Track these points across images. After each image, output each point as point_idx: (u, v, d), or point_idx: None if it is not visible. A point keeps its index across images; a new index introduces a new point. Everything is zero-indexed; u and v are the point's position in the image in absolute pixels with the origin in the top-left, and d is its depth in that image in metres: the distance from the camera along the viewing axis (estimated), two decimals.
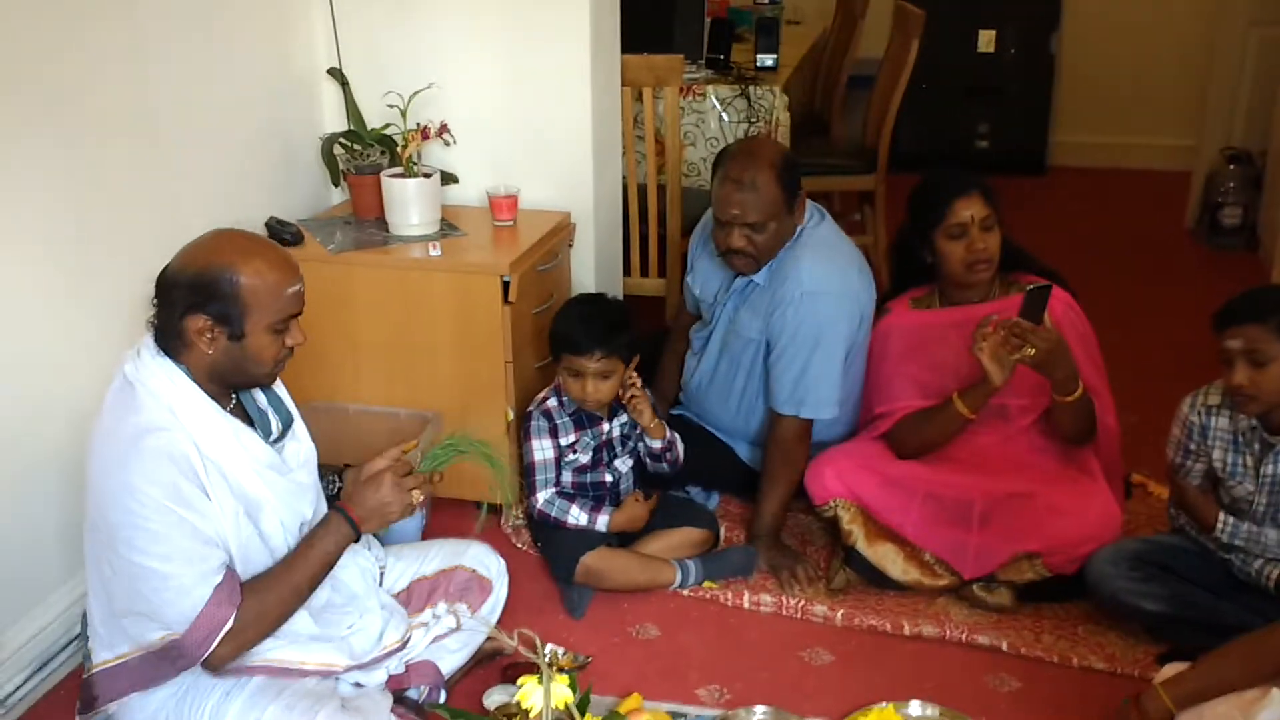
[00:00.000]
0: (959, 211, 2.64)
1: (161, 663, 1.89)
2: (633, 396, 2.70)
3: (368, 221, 3.10)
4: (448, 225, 3.06)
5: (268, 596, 1.92)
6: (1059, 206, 5.46)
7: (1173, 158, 5.87)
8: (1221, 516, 2.35)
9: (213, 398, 1.91)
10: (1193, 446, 2.42)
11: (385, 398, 2.97)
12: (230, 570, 1.89)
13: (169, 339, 1.89)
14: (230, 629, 1.86)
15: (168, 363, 1.88)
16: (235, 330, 1.87)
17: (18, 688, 2.31)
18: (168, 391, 1.87)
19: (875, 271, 2.96)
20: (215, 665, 1.90)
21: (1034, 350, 2.47)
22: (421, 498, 2.06)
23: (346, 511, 2.01)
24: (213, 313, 1.85)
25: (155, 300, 1.89)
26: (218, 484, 1.88)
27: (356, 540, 2.03)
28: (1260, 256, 4.75)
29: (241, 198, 2.94)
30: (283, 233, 2.93)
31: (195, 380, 1.89)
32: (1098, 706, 2.29)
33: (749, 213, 2.68)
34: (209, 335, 1.87)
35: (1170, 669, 2.14)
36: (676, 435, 2.83)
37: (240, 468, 1.92)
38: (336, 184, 3.23)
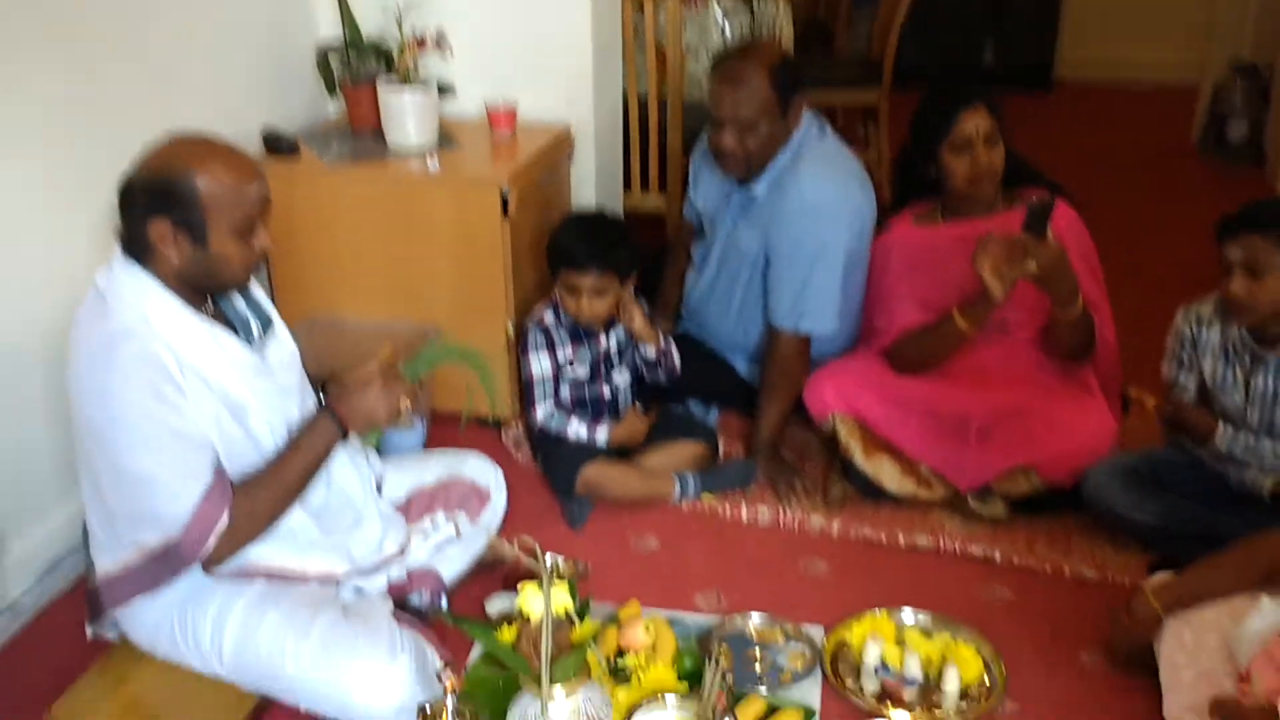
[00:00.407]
0: (963, 125, 2.62)
1: (162, 566, 1.92)
2: (624, 303, 2.70)
3: (364, 134, 3.07)
4: (445, 138, 3.03)
5: (259, 494, 1.94)
6: (1065, 122, 5.41)
7: (1180, 72, 5.79)
8: (1221, 425, 2.36)
9: (188, 303, 1.91)
10: (1184, 358, 2.44)
11: (384, 312, 2.97)
12: (220, 470, 1.90)
13: (135, 247, 1.88)
14: (224, 528, 1.88)
15: (137, 270, 1.88)
16: (198, 234, 1.85)
17: (25, 591, 2.36)
18: (138, 299, 1.86)
19: (877, 187, 2.93)
20: (211, 564, 1.94)
21: (1036, 265, 2.45)
22: (409, 405, 2.06)
23: (334, 410, 2.02)
24: (174, 217, 1.83)
25: (119, 208, 1.88)
26: (197, 388, 1.88)
27: (344, 439, 2.04)
28: (1266, 172, 4.71)
29: (236, 109, 2.91)
30: (278, 144, 2.91)
31: (167, 286, 1.89)
32: (1089, 615, 2.34)
33: (740, 110, 2.66)
34: (172, 240, 1.85)
35: (1160, 577, 2.17)
36: (671, 342, 2.83)
37: (221, 371, 1.92)
38: (333, 94, 3.19)
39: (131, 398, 1.81)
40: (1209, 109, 5.10)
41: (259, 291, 2.08)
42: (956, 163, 2.65)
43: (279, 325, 2.10)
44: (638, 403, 2.83)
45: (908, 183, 2.85)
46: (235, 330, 2.00)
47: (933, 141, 2.66)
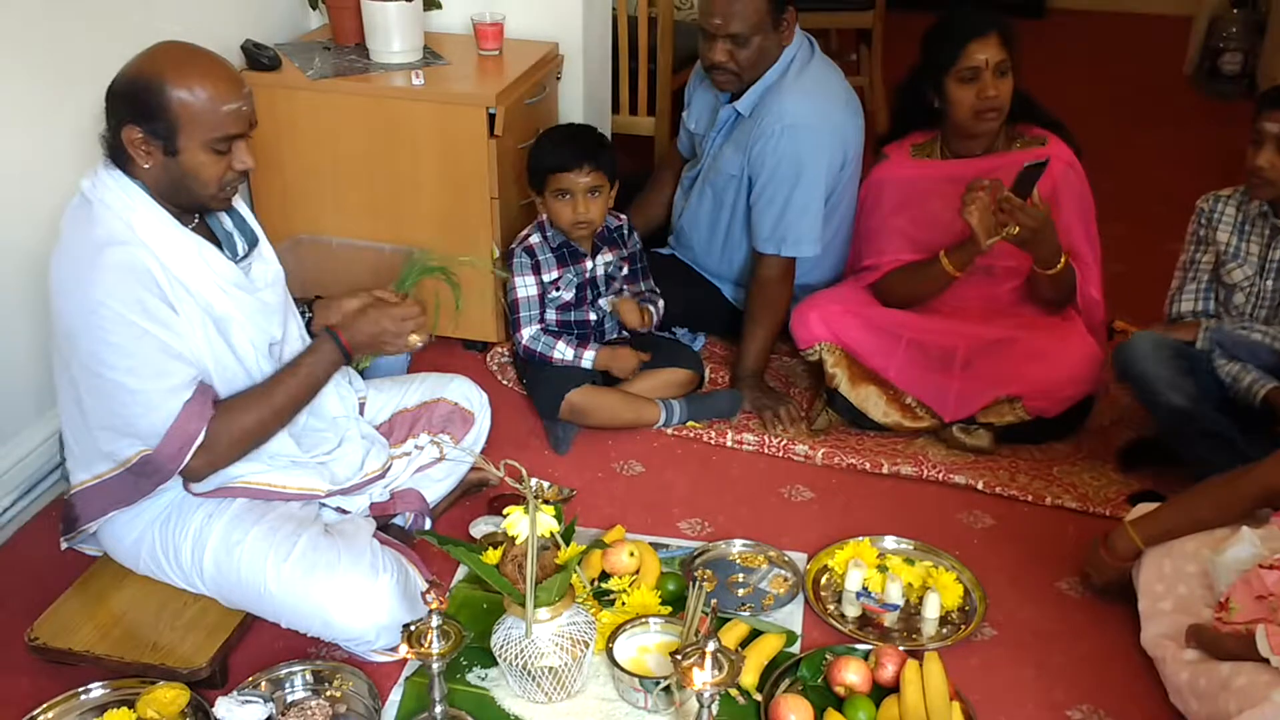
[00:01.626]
0: (973, 54, 2.52)
1: (139, 479, 1.91)
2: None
3: (347, 48, 3.00)
4: (431, 53, 2.96)
5: (245, 415, 1.93)
6: (1056, 50, 5.32)
7: (1175, 2, 5.71)
8: (1203, 324, 2.39)
9: (173, 216, 1.88)
10: (1201, 234, 2.47)
11: (369, 232, 2.92)
12: (202, 385, 1.88)
13: (117, 152, 1.85)
14: (201, 443, 1.87)
15: (122, 176, 1.85)
16: (169, 145, 1.81)
17: (4, 510, 2.34)
18: (124, 206, 1.83)
19: (870, 115, 2.89)
20: (190, 477, 1.93)
21: (1019, 229, 2.44)
22: (419, 341, 2.06)
23: (337, 336, 2.00)
24: (145, 125, 1.80)
25: (105, 111, 1.84)
26: (183, 299, 1.86)
27: (347, 364, 2.03)
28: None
29: (216, 20, 2.82)
30: (260, 57, 2.83)
31: (151, 195, 1.85)
32: (1068, 543, 2.36)
33: (731, 22, 2.61)
34: (144, 149, 1.82)
35: (1140, 508, 2.19)
36: (660, 307, 2.83)
37: (205, 284, 1.89)
38: (315, 6, 3.11)
39: (115, 307, 1.78)
40: (1203, 40, 5.04)
41: (245, 209, 2.05)
42: (962, 94, 2.55)
43: (265, 244, 2.07)
44: (631, 341, 2.79)
45: (910, 110, 2.75)
46: (220, 246, 1.97)
47: (939, 69, 2.57)
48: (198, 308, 1.89)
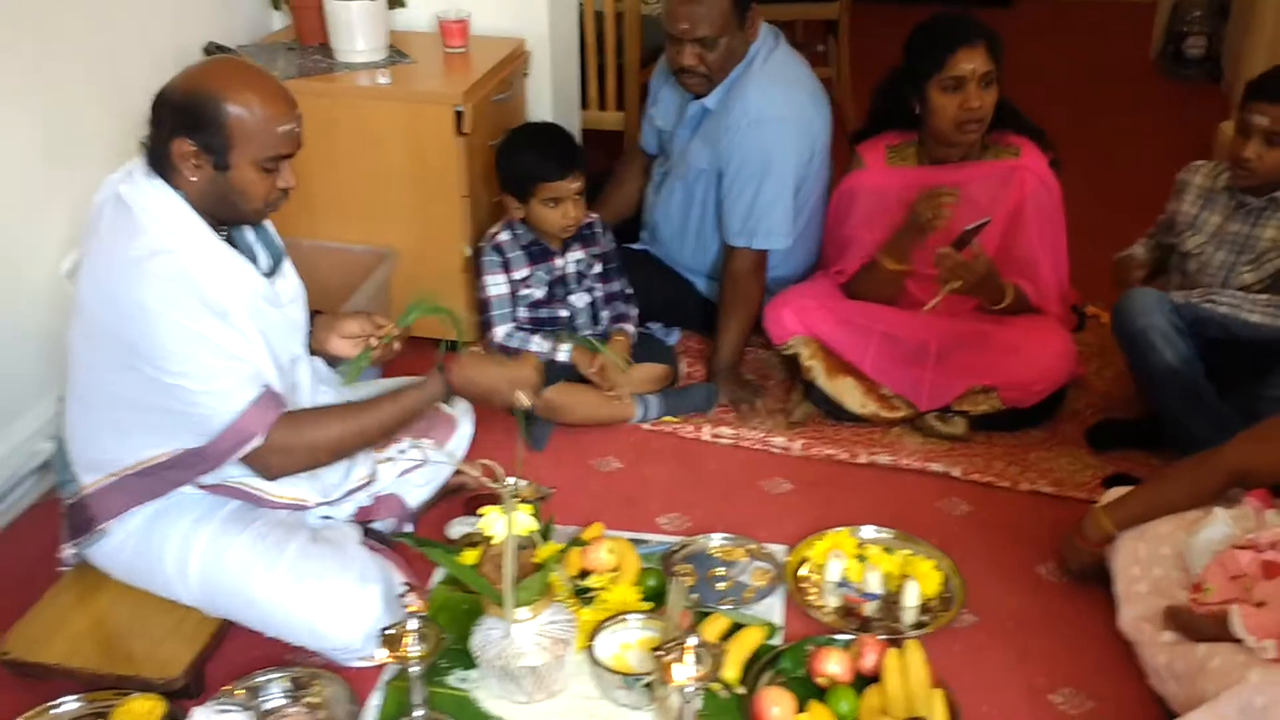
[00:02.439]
0: (960, 63, 2.47)
1: (176, 471, 1.90)
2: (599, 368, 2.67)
3: (311, 48, 2.97)
4: (396, 52, 2.94)
5: (325, 428, 1.94)
6: (1023, 37, 5.33)
7: None
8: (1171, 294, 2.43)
9: (210, 227, 1.87)
10: (1171, 204, 2.52)
11: (338, 233, 2.90)
12: (271, 392, 1.88)
13: (159, 161, 1.83)
14: (258, 447, 1.86)
15: (162, 184, 1.84)
16: (220, 160, 1.81)
17: None
18: (167, 214, 1.83)
19: (838, 106, 2.88)
20: (263, 467, 1.92)
21: (960, 283, 2.49)
22: (526, 402, 2.07)
23: (449, 378, 2.01)
24: (198, 139, 1.80)
25: (150, 119, 1.83)
26: (228, 309, 1.85)
27: (445, 401, 2.05)
28: (1222, 88, 4.71)
29: (178, 21, 2.79)
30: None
31: (191, 206, 1.85)
32: (1045, 527, 2.37)
33: (698, 26, 2.60)
34: (194, 162, 1.81)
35: (1115, 492, 2.20)
36: (635, 314, 2.84)
37: (237, 297, 1.88)
38: (278, 7, 3.08)
39: (171, 313, 1.78)
40: (1167, 25, 5.08)
41: (270, 225, 2.05)
42: (945, 102, 2.51)
43: (288, 262, 2.07)
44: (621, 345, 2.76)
45: (888, 110, 2.70)
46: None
47: (923, 74, 2.51)
48: (244, 315, 1.88)
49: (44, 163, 2.41)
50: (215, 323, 1.82)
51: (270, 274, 2.00)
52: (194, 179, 1.83)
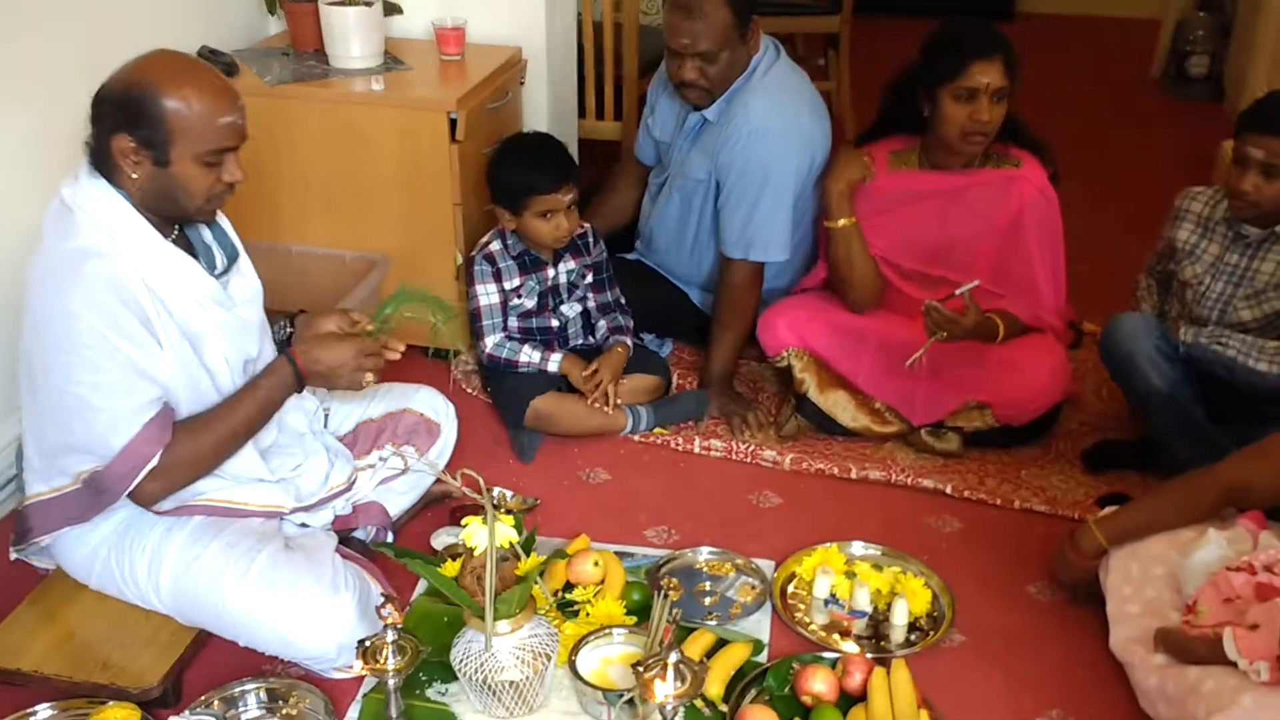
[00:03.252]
0: (975, 75, 2.45)
1: (93, 496, 1.86)
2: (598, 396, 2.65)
3: (306, 54, 2.96)
4: (391, 59, 2.93)
5: (203, 438, 1.89)
6: (1026, 54, 5.31)
7: (1143, 5, 5.74)
8: (1183, 326, 2.36)
9: (154, 226, 1.84)
10: (1167, 233, 2.45)
11: (330, 239, 2.88)
12: (165, 409, 1.84)
13: (102, 160, 1.81)
14: (155, 467, 1.83)
15: (104, 185, 1.81)
16: (160, 156, 1.78)
17: None
18: (106, 215, 1.80)
19: (837, 119, 2.86)
20: (144, 501, 1.88)
21: (945, 334, 2.49)
22: (374, 380, 2.01)
23: (295, 361, 1.96)
24: (137, 135, 1.76)
25: (90, 117, 1.80)
26: (160, 314, 1.83)
27: (299, 391, 1.99)
28: (1224, 107, 4.70)
29: (171, 26, 2.78)
30: (216, 63, 2.79)
31: (134, 205, 1.82)
32: (1036, 545, 2.34)
33: (699, 41, 2.58)
34: (134, 158, 1.78)
35: (1109, 511, 2.17)
36: (630, 324, 2.81)
37: (182, 298, 1.86)
38: (273, 11, 3.07)
39: (91, 319, 1.75)
40: (1170, 43, 5.07)
41: (226, 223, 2.02)
42: (955, 111, 2.49)
43: (244, 259, 2.04)
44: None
45: (895, 111, 2.67)
46: (198, 259, 1.93)
47: (937, 79, 2.49)
48: (174, 323, 1.85)
49: (39, 165, 2.38)
50: (139, 335, 1.78)
51: (224, 273, 1.97)
52: (135, 176, 1.80)
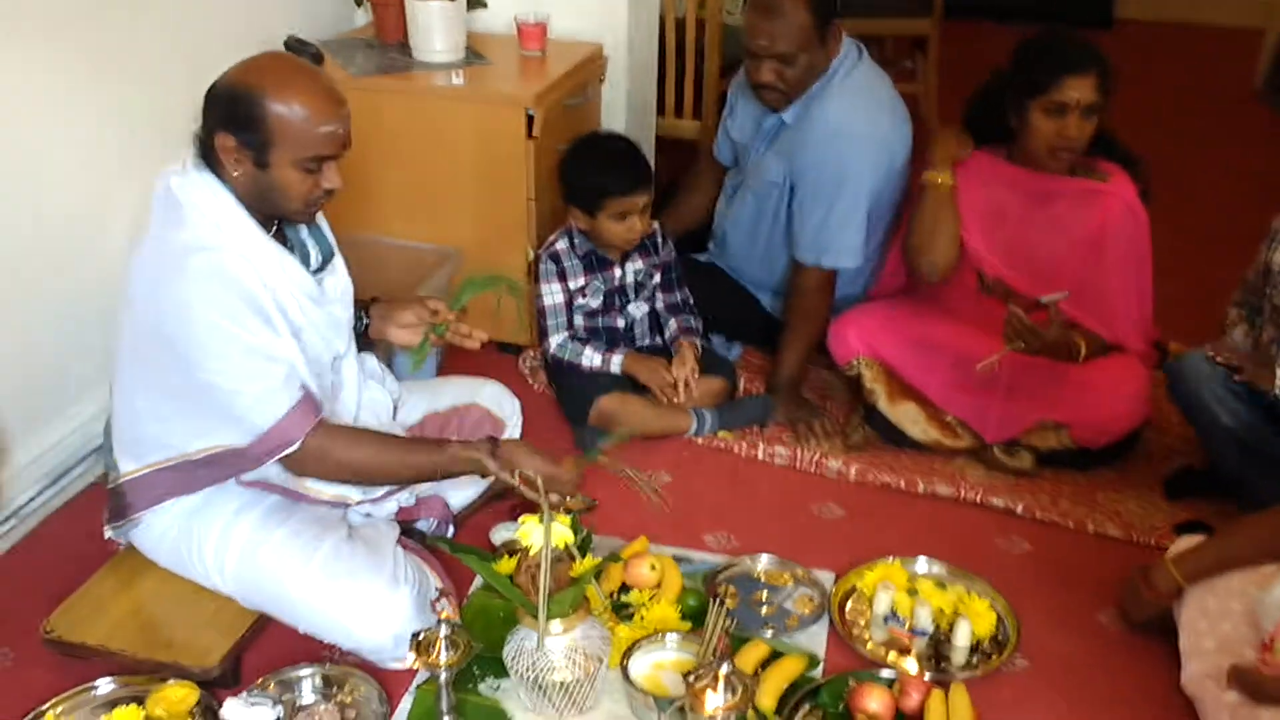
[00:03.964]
0: (1067, 90, 2.37)
1: (210, 469, 1.92)
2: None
3: (391, 46, 2.99)
4: (473, 53, 2.94)
5: (358, 450, 1.93)
6: (1123, 62, 5.18)
7: (1245, 14, 5.54)
8: (1279, 370, 2.25)
9: (258, 223, 1.88)
10: (1264, 254, 2.32)
11: (405, 231, 2.91)
12: (310, 395, 1.89)
13: (208, 154, 1.85)
14: (294, 453, 1.87)
15: (211, 178, 1.84)
16: (260, 158, 1.81)
17: (31, 499, 2.35)
18: (212, 207, 1.83)
19: (921, 123, 2.79)
20: (293, 470, 1.95)
21: (1023, 344, 2.41)
22: (569, 500, 2.00)
23: (496, 451, 1.96)
24: (239, 135, 1.80)
25: (201, 111, 1.84)
26: (273, 306, 1.86)
27: (481, 472, 2.00)
28: None
29: (260, 14, 2.83)
30: (302, 53, 2.81)
31: (238, 200, 1.85)
32: (1109, 572, 2.27)
33: (777, 42, 2.55)
34: (235, 157, 1.82)
35: (1186, 540, 2.10)
36: (699, 325, 2.80)
37: (283, 293, 1.89)
38: (360, 4, 3.11)
39: (207, 312, 1.78)
40: (1274, 53, 4.89)
41: (323, 221, 2.05)
42: (1045, 124, 2.42)
43: (339, 259, 2.07)
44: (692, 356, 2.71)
45: (981, 120, 2.59)
46: (293, 253, 1.96)
47: (1028, 91, 2.42)
48: (285, 317, 1.89)
49: (120, 149, 2.45)
50: (254, 322, 1.82)
51: (319, 270, 2.00)
52: (236, 174, 1.83)
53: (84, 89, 2.35)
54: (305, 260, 1.98)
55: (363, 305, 2.19)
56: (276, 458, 1.88)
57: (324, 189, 1.88)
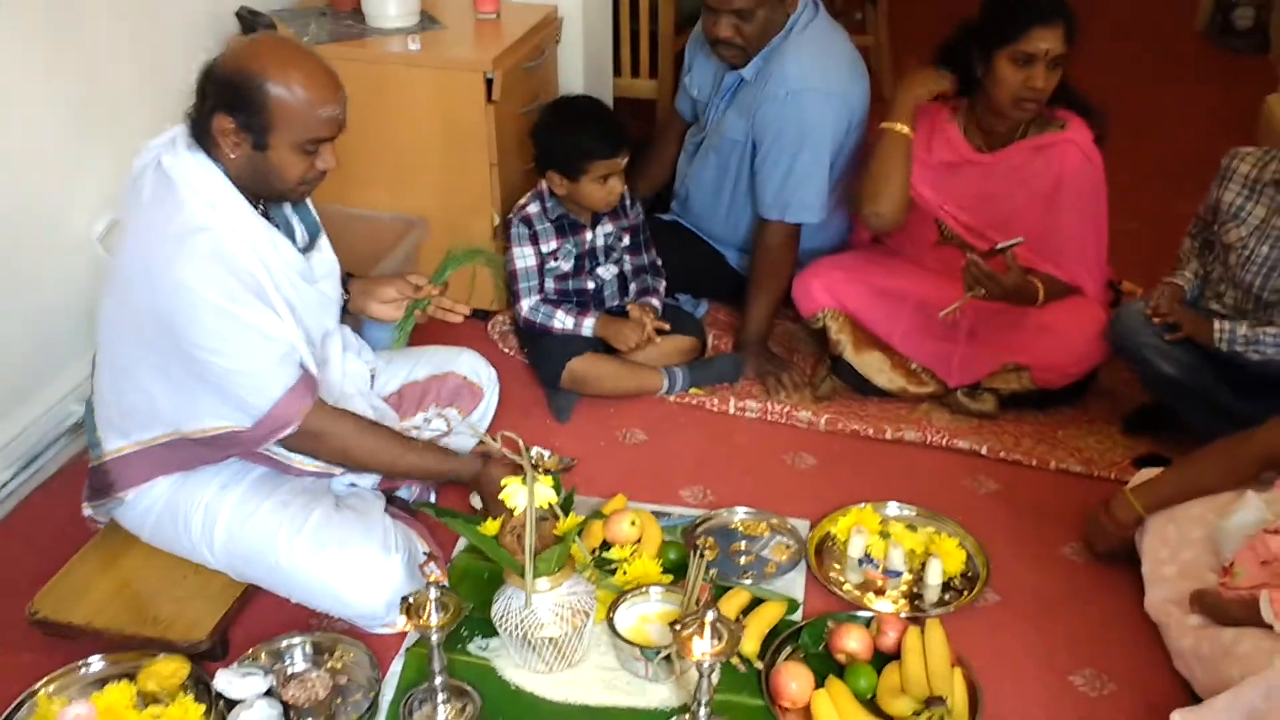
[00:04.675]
0: (1035, 40, 2.39)
1: (208, 449, 1.92)
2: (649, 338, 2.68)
3: (344, 13, 2.96)
4: (428, 18, 2.92)
5: (361, 439, 1.97)
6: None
7: None
8: (1216, 324, 2.32)
9: (249, 202, 1.88)
10: (1214, 193, 2.40)
11: (368, 200, 2.90)
12: (307, 376, 1.90)
13: (201, 134, 1.84)
14: (290, 433, 1.89)
15: (203, 158, 1.84)
16: (259, 140, 1.81)
17: (5, 483, 2.33)
18: (205, 187, 1.83)
19: (876, 76, 2.82)
20: (290, 448, 1.97)
21: (983, 291, 2.46)
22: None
23: (486, 473, 2.02)
24: (239, 118, 1.79)
25: (195, 91, 1.83)
26: (269, 284, 1.86)
27: (470, 484, 2.08)
28: (1270, 59, 4.60)
29: None
30: (255, 23, 2.79)
31: (230, 180, 1.85)
32: (1072, 507, 2.34)
33: None
34: (233, 139, 1.81)
35: (1145, 473, 2.17)
36: (662, 288, 2.83)
37: (274, 272, 1.89)
38: None
39: (207, 291, 1.78)
40: None
41: (310, 201, 2.05)
42: (1010, 74, 2.42)
43: (324, 237, 2.07)
44: (650, 311, 2.74)
45: (949, 67, 2.58)
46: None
47: (995, 41, 2.43)
48: (280, 294, 1.89)
49: (79, 123, 2.41)
50: (251, 301, 1.82)
51: (306, 249, 2.00)
52: (233, 155, 1.83)
53: (29, 61, 2.30)
54: (292, 238, 1.98)
55: (341, 280, 2.19)
56: (274, 439, 1.89)
57: (319, 170, 1.88)
